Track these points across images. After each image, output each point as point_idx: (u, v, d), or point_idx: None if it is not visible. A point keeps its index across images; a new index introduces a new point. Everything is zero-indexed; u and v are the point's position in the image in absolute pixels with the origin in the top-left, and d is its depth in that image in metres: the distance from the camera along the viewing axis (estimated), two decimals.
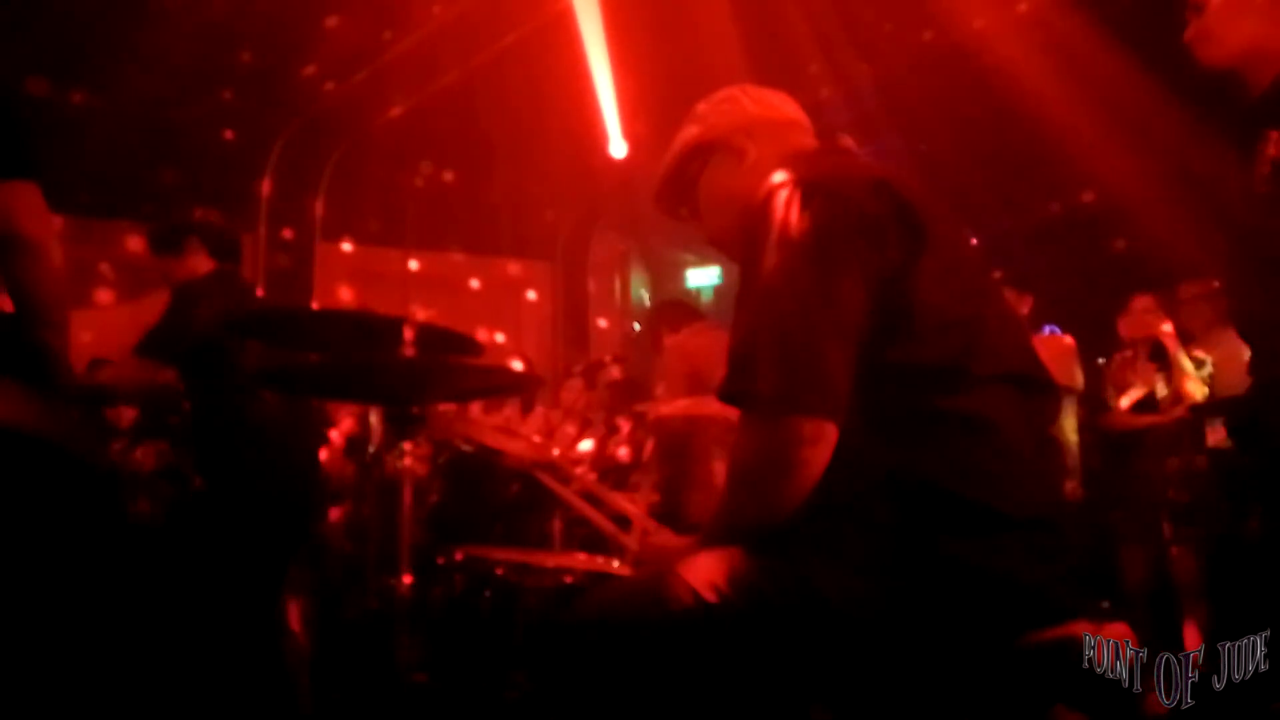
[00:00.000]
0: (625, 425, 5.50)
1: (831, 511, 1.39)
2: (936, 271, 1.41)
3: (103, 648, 2.01)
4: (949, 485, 1.35)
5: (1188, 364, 4.30)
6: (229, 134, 6.88)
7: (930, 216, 1.44)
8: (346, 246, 7.91)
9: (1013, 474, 1.40)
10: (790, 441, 1.34)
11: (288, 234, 7.68)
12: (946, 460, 1.37)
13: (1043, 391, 1.50)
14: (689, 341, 4.38)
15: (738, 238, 1.51)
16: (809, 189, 1.41)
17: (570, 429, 5.48)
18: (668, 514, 3.87)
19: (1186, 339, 4.42)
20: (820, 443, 1.34)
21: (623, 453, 4.65)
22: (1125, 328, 4.67)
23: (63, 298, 1.86)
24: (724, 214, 1.68)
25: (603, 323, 9.22)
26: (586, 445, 5.10)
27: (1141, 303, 4.59)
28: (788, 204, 1.40)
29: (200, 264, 3.28)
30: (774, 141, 1.67)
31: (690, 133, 1.74)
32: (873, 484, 1.37)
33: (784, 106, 1.74)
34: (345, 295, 7.47)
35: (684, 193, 1.75)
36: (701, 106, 1.76)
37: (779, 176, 1.45)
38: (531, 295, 9.09)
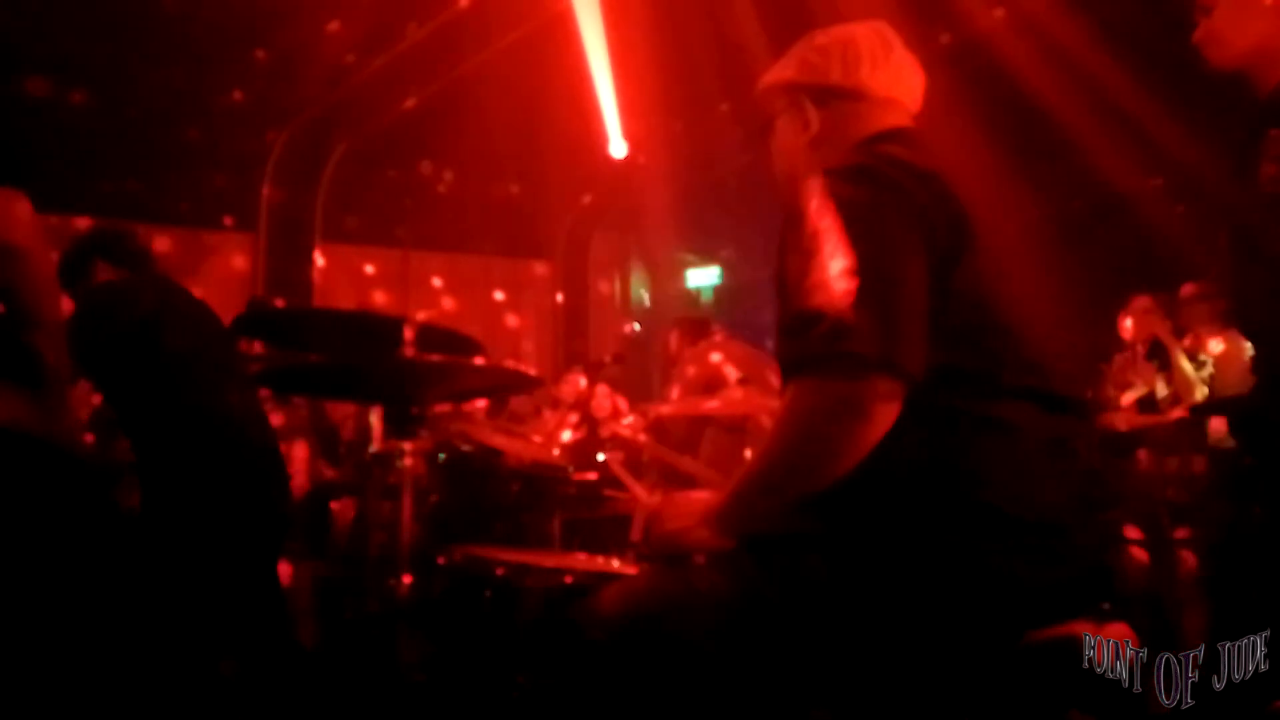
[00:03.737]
0: (609, 427, 5.53)
1: (838, 507, 1.39)
2: (980, 272, 1.40)
3: (99, 644, 2.00)
4: (963, 487, 1.35)
5: (1186, 364, 4.30)
6: (229, 134, 6.88)
7: (979, 216, 1.42)
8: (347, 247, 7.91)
9: (1027, 480, 1.39)
10: (878, 398, 1.29)
11: (287, 234, 7.68)
12: (964, 462, 1.36)
13: (1071, 407, 1.47)
14: (710, 352, 4.43)
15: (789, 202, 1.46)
16: (863, 172, 1.39)
17: (573, 418, 5.51)
18: None
19: (1187, 339, 4.42)
20: (897, 404, 1.31)
21: (601, 458, 4.67)
22: (1125, 328, 4.67)
23: (54, 301, 1.90)
24: (780, 167, 1.66)
25: (626, 327, 9.20)
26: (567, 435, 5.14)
27: (1141, 303, 4.59)
28: (843, 186, 1.38)
29: (109, 277, 3.09)
30: (849, 117, 1.59)
31: (782, 69, 1.65)
32: (885, 480, 1.36)
33: (876, 73, 1.62)
34: (377, 297, 7.45)
35: (764, 123, 1.69)
36: (818, 41, 1.64)
37: (834, 164, 1.44)
38: (530, 297, 9.09)
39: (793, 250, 1.38)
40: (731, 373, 4.01)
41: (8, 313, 1.84)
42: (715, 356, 4.38)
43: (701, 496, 1.52)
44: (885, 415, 1.30)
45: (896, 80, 1.64)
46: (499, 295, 8.69)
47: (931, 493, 1.35)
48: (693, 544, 1.46)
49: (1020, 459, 1.39)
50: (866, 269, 1.31)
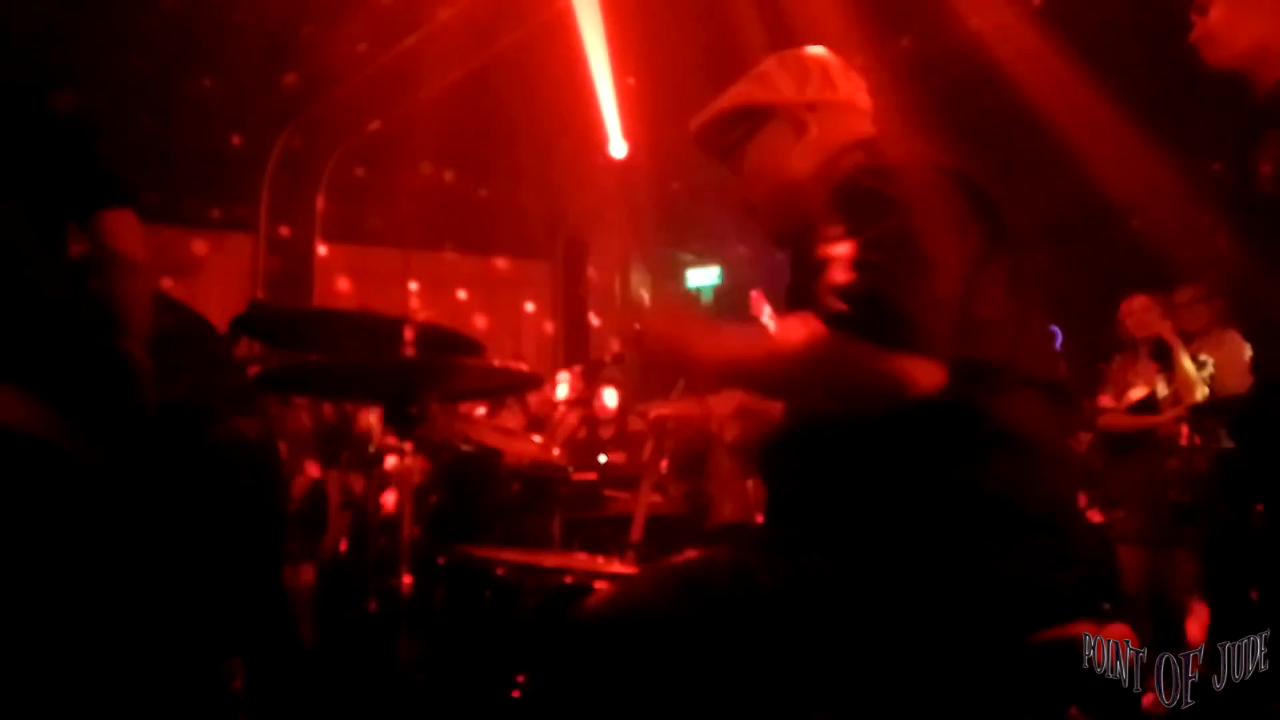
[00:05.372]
0: (611, 429, 5.53)
1: (844, 500, 1.38)
2: (1005, 269, 1.42)
3: (99, 645, 2.01)
4: (978, 484, 1.35)
5: (1189, 364, 4.30)
6: (229, 134, 6.88)
7: (1004, 214, 1.45)
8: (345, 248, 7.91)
9: (1038, 477, 1.40)
10: (904, 378, 1.29)
11: (287, 234, 7.67)
12: (981, 457, 1.36)
13: (1069, 402, 1.50)
14: None
15: (805, 208, 1.50)
16: (904, 168, 1.41)
17: (572, 419, 5.50)
18: (694, 513, 3.89)
19: (1186, 340, 4.42)
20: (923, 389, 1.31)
21: (602, 459, 4.67)
22: (1123, 328, 4.68)
23: (147, 314, 2.06)
24: (768, 182, 1.64)
25: (597, 322, 9.21)
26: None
27: (1138, 302, 4.60)
28: (890, 178, 1.40)
29: None
30: (836, 123, 1.62)
31: (751, 91, 1.66)
32: (894, 476, 1.36)
33: (848, 86, 1.67)
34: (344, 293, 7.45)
35: (728, 149, 1.69)
36: (767, 65, 1.67)
37: (864, 157, 1.45)
38: (530, 297, 9.09)
39: (829, 234, 1.39)
40: None
41: (101, 318, 1.97)
42: None
43: (695, 333, 1.50)
44: (906, 393, 1.30)
45: (853, 82, 1.68)
46: (498, 295, 8.69)
47: (945, 489, 1.35)
48: (679, 355, 1.50)
49: (1033, 456, 1.40)
50: (915, 251, 1.33)
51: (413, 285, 7.80)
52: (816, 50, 1.69)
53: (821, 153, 1.58)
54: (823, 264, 1.39)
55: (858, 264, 1.33)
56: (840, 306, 1.32)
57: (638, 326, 1.55)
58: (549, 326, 9.13)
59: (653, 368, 1.57)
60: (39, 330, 1.88)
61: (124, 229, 2.02)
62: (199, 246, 7.22)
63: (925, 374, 1.29)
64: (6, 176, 1.93)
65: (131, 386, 1.98)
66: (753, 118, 1.65)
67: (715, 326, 1.50)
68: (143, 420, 2.03)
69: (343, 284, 7.62)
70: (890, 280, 1.31)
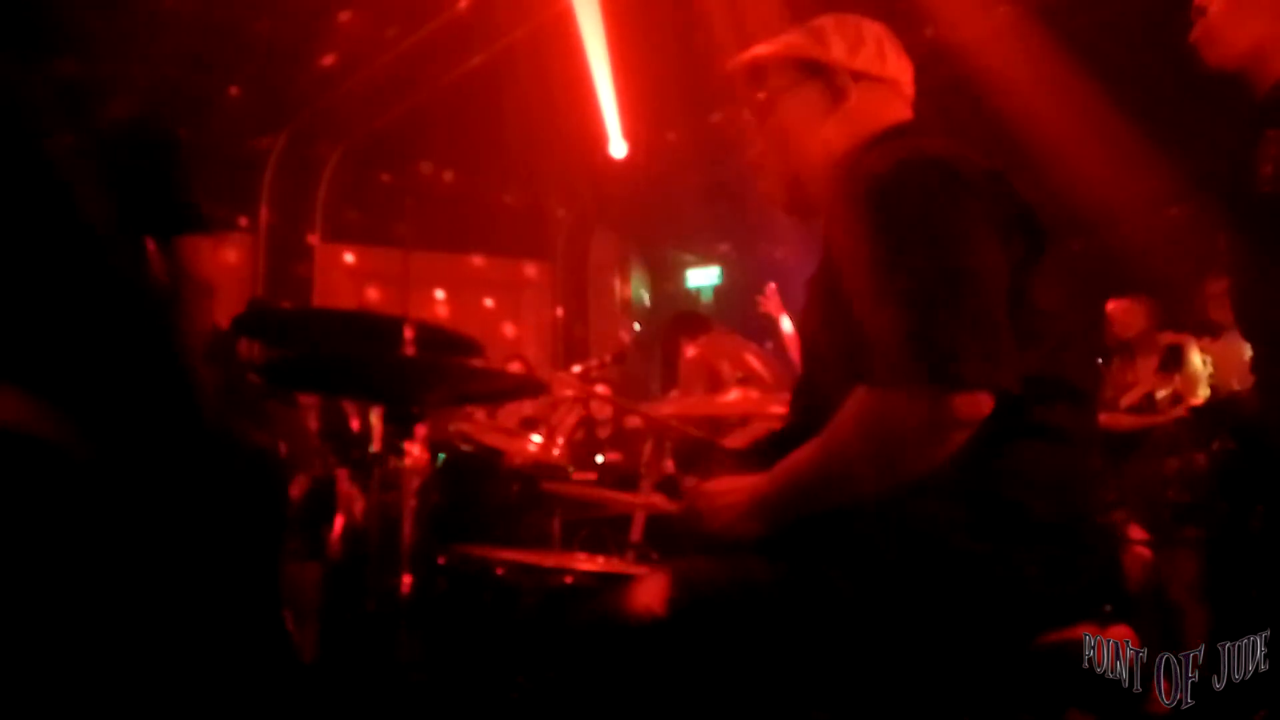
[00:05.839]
0: (608, 428, 5.53)
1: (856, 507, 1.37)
2: (1050, 276, 1.39)
3: (96, 645, 2.01)
4: (995, 490, 1.33)
5: (1198, 361, 4.31)
6: (229, 134, 6.88)
7: (1045, 219, 1.41)
8: (348, 254, 7.91)
9: (1068, 486, 1.39)
10: (968, 417, 1.26)
11: (288, 234, 7.67)
12: (1002, 465, 1.34)
13: (1089, 406, 1.48)
14: (711, 347, 4.42)
15: (837, 198, 1.43)
16: (948, 173, 1.35)
17: (570, 420, 5.51)
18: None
19: (1216, 332, 4.42)
20: (979, 420, 1.28)
21: (600, 459, 4.66)
22: (1109, 331, 4.71)
23: (208, 334, 2.24)
24: (793, 144, 1.57)
25: (627, 336, 9.21)
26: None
27: (1121, 304, 4.62)
28: (926, 183, 1.34)
29: None
30: (876, 100, 1.56)
31: (801, 44, 1.58)
32: (924, 486, 1.32)
33: (897, 65, 1.61)
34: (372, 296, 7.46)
35: (758, 102, 1.61)
36: (823, 21, 1.59)
37: (905, 152, 1.38)
38: (530, 298, 9.09)
39: (864, 242, 1.34)
40: (730, 371, 4.00)
41: (179, 341, 2.10)
42: (712, 354, 4.36)
43: (739, 485, 1.47)
44: (967, 432, 1.28)
45: (906, 72, 1.63)
46: (498, 296, 8.69)
47: (961, 494, 1.34)
48: (736, 540, 1.43)
49: (1067, 466, 1.39)
50: (959, 277, 1.29)
51: (439, 293, 7.81)
52: (862, 19, 1.62)
53: (857, 130, 1.52)
54: (856, 269, 1.34)
55: (899, 296, 1.28)
56: (883, 359, 1.28)
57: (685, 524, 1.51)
58: (549, 327, 9.13)
59: (713, 532, 1.48)
60: (127, 338, 1.96)
61: (201, 255, 2.18)
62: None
63: (975, 408, 1.26)
64: (103, 192, 2.00)
65: (198, 401, 2.09)
66: (793, 72, 1.57)
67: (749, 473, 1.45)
68: (204, 434, 2.13)
69: (346, 284, 7.62)
70: (935, 313, 1.26)
